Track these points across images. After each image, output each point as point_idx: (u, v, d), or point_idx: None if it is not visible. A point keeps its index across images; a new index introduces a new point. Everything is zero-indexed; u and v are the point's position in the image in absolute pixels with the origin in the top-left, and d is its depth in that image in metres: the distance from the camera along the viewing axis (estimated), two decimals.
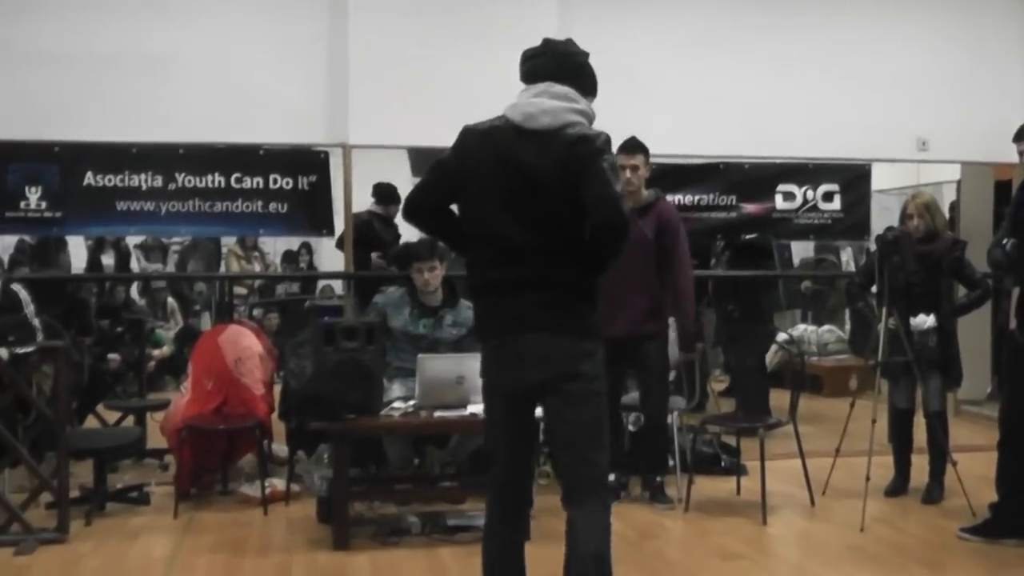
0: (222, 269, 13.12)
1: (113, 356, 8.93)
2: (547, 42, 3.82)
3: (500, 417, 3.76)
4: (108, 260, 12.67)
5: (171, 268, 13.72)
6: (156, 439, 7.12)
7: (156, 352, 11.09)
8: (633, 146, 6.27)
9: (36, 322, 6.12)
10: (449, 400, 5.62)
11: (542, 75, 3.71)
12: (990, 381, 9.14)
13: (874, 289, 6.34)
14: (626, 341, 5.98)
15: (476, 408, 5.56)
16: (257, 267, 13.33)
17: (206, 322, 12.51)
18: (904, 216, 6.42)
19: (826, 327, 11.96)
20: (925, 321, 6.19)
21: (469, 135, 3.71)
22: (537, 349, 3.59)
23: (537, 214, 3.58)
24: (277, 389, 6.96)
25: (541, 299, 3.58)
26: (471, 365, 5.64)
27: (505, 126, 3.66)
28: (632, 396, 6.65)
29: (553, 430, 3.74)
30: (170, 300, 12.63)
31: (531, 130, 3.61)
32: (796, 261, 12.87)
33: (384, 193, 8.89)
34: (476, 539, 5.40)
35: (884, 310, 6.09)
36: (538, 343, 3.59)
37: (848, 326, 12.20)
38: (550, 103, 3.63)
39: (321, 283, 13.21)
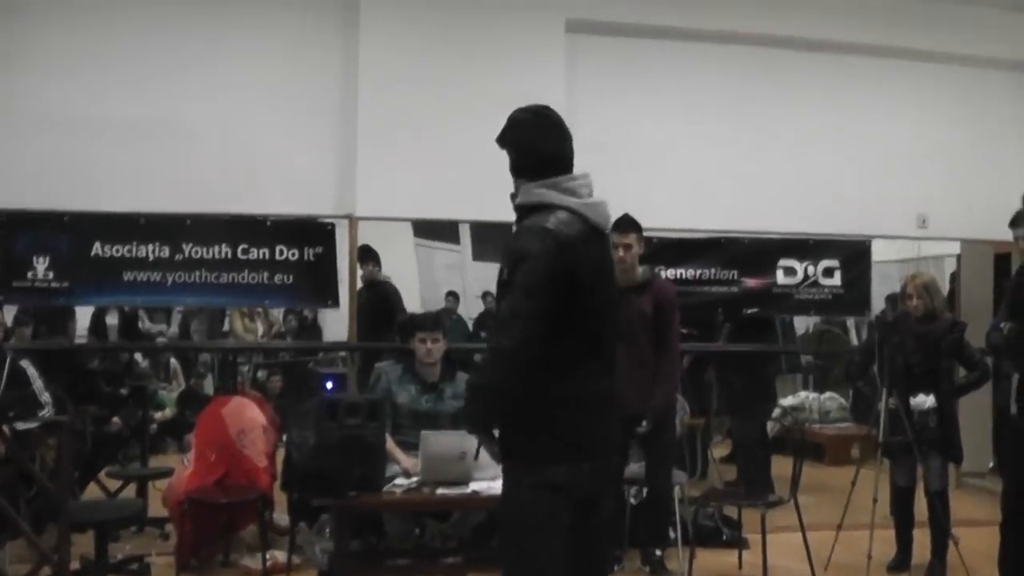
0: (226, 326, 13.19)
1: (114, 420, 8.92)
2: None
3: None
4: (112, 320, 12.72)
5: (175, 328, 13.76)
6: (157, 507, 7.12)
7: (158, 415, 11.10)
8: (626, 223, 6.22)
9: (45, 396, 6.14)
10: (452, 476, 5.62)
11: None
12: (992, 455, 9.14)
13: (875, 368, 6.38)
14: (633, 417, 6.02)
15: (478, 485, 5.59)
16: (260, 325, 13.39)
17: (209, 384, 12.52)
18: (903, 296, 6.47)
19: (828, 394, 11.95)
20: (925, 401, 6.21)
21: (569, 244, 3.43)
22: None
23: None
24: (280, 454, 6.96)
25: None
26: (474, 442, 5.70)
27: (591, 231, 3.53)
28: (632, 469, 6.64)
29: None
30: (173, 361, 12.68)
31: (602, 233, 3.63)
32: (800, 327, 12.92)
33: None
34: None
35: (884, 391, 6.13)
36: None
37: (851, 393, 12.20)
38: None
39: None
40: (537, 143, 3.64)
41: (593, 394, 3.54)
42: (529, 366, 3.37)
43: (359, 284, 8.73)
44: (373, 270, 9.05)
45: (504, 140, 3.70)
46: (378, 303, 8.89)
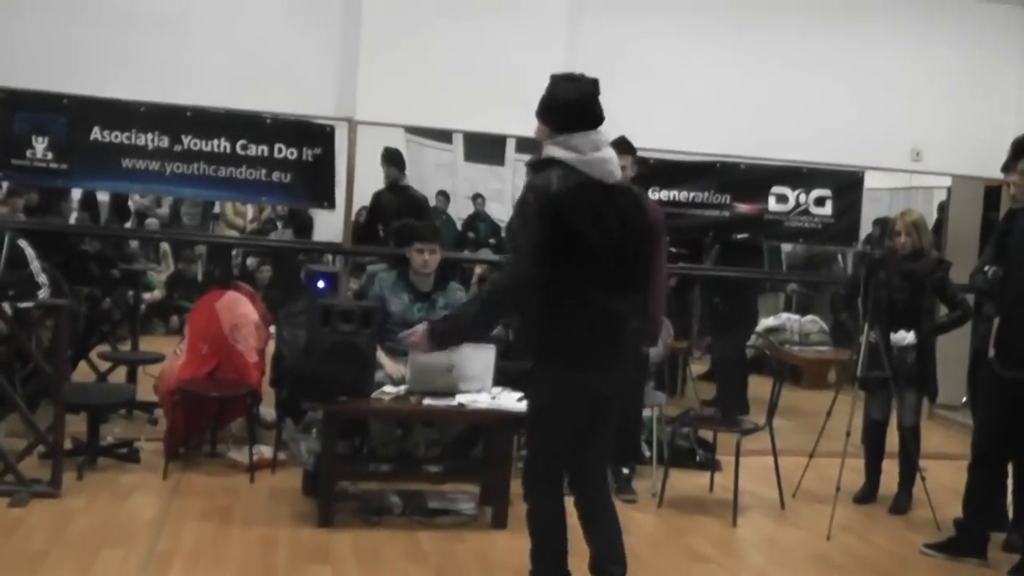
0: (216, 208, 13.25)
1: (106, 301, 8.99)
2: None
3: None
4: (103, 196, 12.73)
5: (165, 208, 13.79)
6: (145, 391, 7.25)
7: (147, 296, 11.18)
8: (623, 145, 6.10)
9: (43, 277, 6.23)
10: (439, 387, 5.74)
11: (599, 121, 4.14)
12: (966, 390, 9.32)
13: (859, 301, 6.48)
14: None
15: (464, 397, 5.72)
16: (250, 210, 13.48)
17: (198, 269, 12.57)
18: (892, 232, 6.57)
19: (809, 317, 12.06)
20: (905, 337, 6.33)
21: (557, 197, 3.97)
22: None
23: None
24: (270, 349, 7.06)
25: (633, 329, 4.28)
26: (462, 354, 5.81)
27: (591, 183, 4.05)
28: None
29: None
30: (163, 243, 12.72)
31: (604, 184, 4.10)
32: (787, 246, 12.99)
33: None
34: (456, 524, 5.65)
35: (866, 325, 6.25)
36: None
37: (831, 316, 12.34)
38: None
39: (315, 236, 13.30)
40: (558, 103, 4.13)
41: (592, 316, 4.07)
42: (530, 297, 4.02)
43: (382, 186, 8.85)
44: (398, 174, 9.04)
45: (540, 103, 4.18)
46: (405, 207, 8.82)
